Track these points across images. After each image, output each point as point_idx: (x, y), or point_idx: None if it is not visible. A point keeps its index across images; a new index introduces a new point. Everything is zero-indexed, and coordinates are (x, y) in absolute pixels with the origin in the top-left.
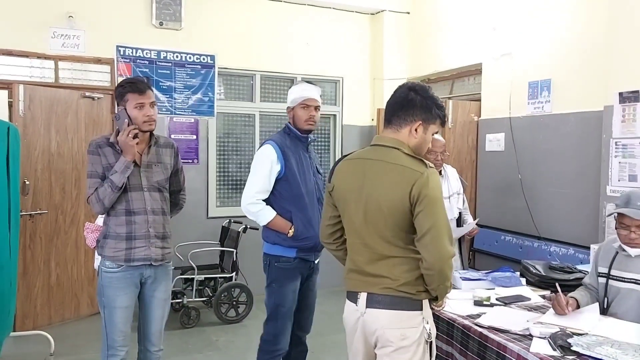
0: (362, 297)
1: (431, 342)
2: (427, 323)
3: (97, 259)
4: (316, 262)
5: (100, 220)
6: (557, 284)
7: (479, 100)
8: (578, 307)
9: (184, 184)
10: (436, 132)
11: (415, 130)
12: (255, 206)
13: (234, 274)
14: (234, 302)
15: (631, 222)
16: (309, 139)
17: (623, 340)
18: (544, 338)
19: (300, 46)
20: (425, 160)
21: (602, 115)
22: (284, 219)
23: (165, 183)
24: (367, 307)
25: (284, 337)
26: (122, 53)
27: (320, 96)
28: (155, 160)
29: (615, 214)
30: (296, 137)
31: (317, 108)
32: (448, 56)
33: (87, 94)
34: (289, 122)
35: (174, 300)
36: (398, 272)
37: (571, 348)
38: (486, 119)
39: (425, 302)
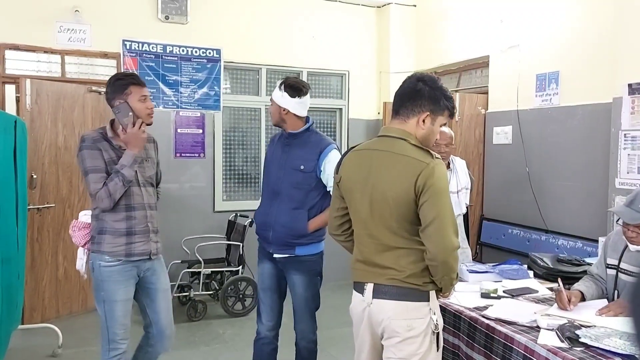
0: (369, 287)
1: (438, 333)
2: (434, 314)
3: (81, 259)
4: (275, 255)
5: (84, 217)
6: (559, 279)
7: (487, 93)
8: (583, 299)
9: (160, 178)
10: (444, 124)
11: (423, 121)
12: None
13: (240, 267)
14: (241, 296)
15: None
16: (285, 135)
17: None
18: (552, 330)
19: (306, 40)
20: (431, 151)
21: (611, 107)
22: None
23: (154, 178)
24: (373, 297)
25: (260, 322)
26: (128, 47)
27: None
28: (145, 155)
29: None
30: (282, 133)
31: (272, 104)
32: (455, 49)
33: (94, 88)
34: None
35: (181, 294)
36: (404, 263)
37: (579, 340)
38: (493, 112)
39: (432, 293)
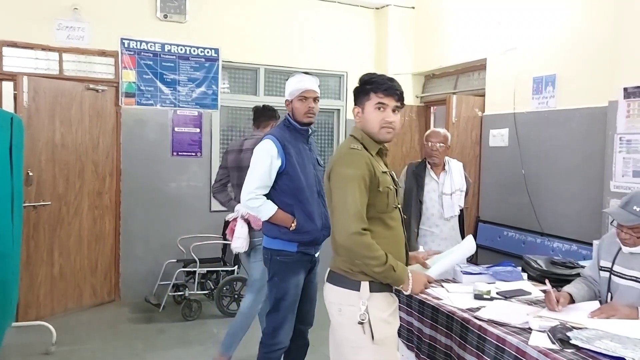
0: (327, 271)
1: (370, 324)
2: (364, 305)
3: (245, 239)
4: (316, 255)
5: (244, 210)
6: (546, 280)
7: (483, 95)
8: (573, 301)
9: None
10: (380, 103)
11: (357, 115)
12: (256, 201)
13: (235, 267)
14: (236, 296)
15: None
16: (309, 132)
17: (622, 335)
18: (543, 331)
19: (305, 40)
20: (353, 144)
21: (607, 110)
22: (285, 213)
23: None
24: (326, 280)
25: (283, 332)
26: (126, 46)
27: (319, 86)
28: None
29: None
30: (296, 130)
31: (315, 99)
32: (453, 51)
33: (92, 86)
34: (288, 115)
35: (176, 293)
36: (337, 249)
37: (570, 341)
38: (490, 115)
39: (364, 284)
